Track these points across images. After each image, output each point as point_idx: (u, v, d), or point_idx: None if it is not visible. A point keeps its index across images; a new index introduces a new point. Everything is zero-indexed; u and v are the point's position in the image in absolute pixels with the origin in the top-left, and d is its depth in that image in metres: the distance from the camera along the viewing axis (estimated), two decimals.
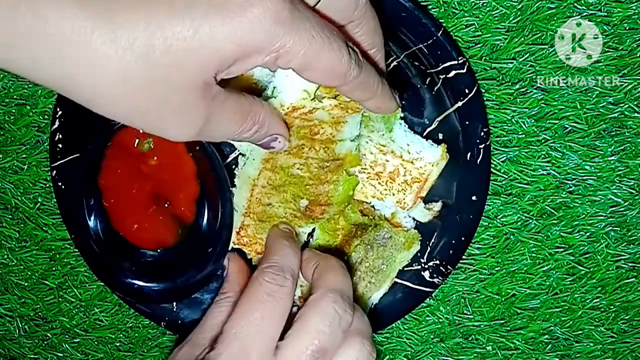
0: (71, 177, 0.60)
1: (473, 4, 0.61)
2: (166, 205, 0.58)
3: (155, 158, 0.57)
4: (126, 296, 0.61)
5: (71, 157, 0.60)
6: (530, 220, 0.65)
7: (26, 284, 0.70)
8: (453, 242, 0.61)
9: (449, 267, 0.62)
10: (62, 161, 0.60)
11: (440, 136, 0.61)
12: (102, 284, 0.67)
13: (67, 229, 0.61)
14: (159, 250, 0.60)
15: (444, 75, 0.59)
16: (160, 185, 0.57)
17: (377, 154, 0.59)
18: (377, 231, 0.60)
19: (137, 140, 0.57)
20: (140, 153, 0.57)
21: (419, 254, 0.62)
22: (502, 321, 0.68)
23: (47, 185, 0.67)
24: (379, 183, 0.59)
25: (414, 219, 0.62)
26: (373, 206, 0.61)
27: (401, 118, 0.60)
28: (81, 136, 0.59)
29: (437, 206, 0.61)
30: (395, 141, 0.59)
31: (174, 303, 0.63)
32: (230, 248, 0.58)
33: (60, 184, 0.60)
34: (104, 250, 0.59)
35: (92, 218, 0.59)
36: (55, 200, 0.65)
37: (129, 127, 0.56)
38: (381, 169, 0.59)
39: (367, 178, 0.59)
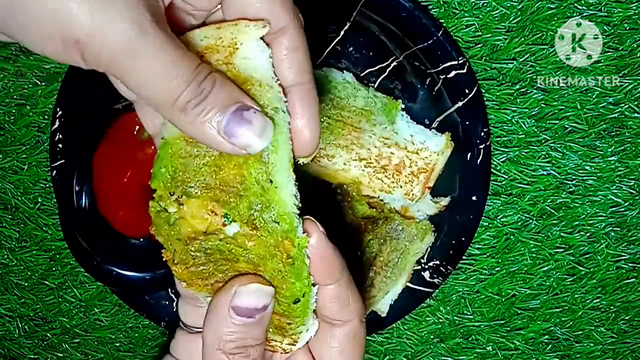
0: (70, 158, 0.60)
1: (473, 4, 0.61)
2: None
3: (153, 147, 0.57)
4: (104, 283, 0.61)
5: (71, 158, 0.61)
6: (531, 221, 0.65)
7: (26, 284, 0.70)
8: (453, 242, 0.61)
9: (449, 267, 0.62)
10: (62, 161, 0.60)
11: None
12: (102, 284, 0.67)
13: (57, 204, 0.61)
14: (142, 240, 0.60)
15: (444, 76, 0.59)
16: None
17: (381, 147, 0.59)
18: (389, 224, 0.60)
19: (137, 127, 0.57)
20: (139, 141, 0.57)
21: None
22: (502, 321, 0.68)
23: (47, 185, 0.67)
24: (386, 176, 0.59)
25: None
26: (382, 200, 0.61)
27: (402, 109, 0.60)
28: (81, 133, 0.59)
29: (444, 200, 0.61)
30: (398, 133, 0.59)
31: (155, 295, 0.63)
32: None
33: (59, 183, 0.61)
34: (87, 231, 0.59)
35: (83, 197, 0.59)
36: (55, 200, 0.65)
37: (133, 113, 0.56)
38: (387, 162, 0.59)
39: (374, 172, 0.59)
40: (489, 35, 0.62)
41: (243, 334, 0.36)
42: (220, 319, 0.36)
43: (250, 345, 0.36)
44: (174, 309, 0.64)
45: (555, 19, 0.61)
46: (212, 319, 0.36)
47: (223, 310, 0.36)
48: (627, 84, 0.62)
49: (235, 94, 0.34)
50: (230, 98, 0.34)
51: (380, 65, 0.61)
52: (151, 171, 0.37)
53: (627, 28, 0.61)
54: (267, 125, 0.34)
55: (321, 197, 0.62)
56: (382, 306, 0.62)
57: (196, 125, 0.33)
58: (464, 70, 0.59)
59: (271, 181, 0.35)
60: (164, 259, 0.39)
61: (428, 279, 0.62)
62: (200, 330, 0.42)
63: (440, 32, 0.58)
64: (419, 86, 0.61)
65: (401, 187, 0.59)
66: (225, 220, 0.36)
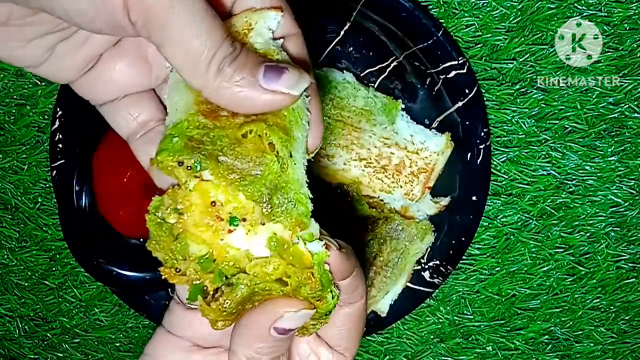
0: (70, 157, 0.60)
1: (473, 4, 0.61)
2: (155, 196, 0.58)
3: None
4: (104, 283, 0.61)
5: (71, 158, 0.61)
6: (531, 221, 0.65)
7: (26, 284, 0.70)
8: (453, 242, 0.61)
9: (449, 267, 0.62)
10: (62, 161, 0.60)
11: None
12: (101, 284, 0.66)
13: (57, 203, 0.61)
14: (141, 240, 0.60)
15: (444, 76, 0.59)
16: None
17: (381, 147, 0.59)
18: (389, 224, 0.60)
19: None
20: None
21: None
22: (502, 321, 0.68)
23: (47, 185, 0.67)
24: (386, 176, 0.59)
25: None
26: (382, 200, 0.61)
27: (403, 109, 0.60)
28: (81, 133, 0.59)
29: (444, 200, 0.61)
30: (398, 133, 0.59)
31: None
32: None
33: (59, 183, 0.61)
34: (87, 231, 0.59)
35: (83, 197, 0.59)
36: (55, 200, 0.65)
37: None
38: (387, 162, 0.59)
39: (374, 172, 0.59)
40: (489, 35, 0.62)
41: (278, 347, 0.37)
42: (256, 335, 0.36)
43: (282, 354, 0.38)
44: None
45: (555, 19, 0.61)
46: (245, 333, 0.36)
47: (262, 328, 0.36)
48: (627, 84, 0.62)
49: (262, 57, 0.35)
50: (259, 58, 0.34)
51: (380, 65, 0.61)
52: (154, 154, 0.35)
53: (627, 28, 0.61)
54: (302, 70, 0.34)
55: (321, 197, 0.61)
56: (382, 306, 0.62)
57: (233, 81, 0.33)
58: (464, 70, 0.59)
59: (291, 155, 0.34)
60: (164, 277, 0.37)
61: (428, 279, 0.62)
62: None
63: (440, 32, 0.58)
64: (419, 86, 0.61)
65: (401, 187, 0.59)
66: (231, 225, 0.35)
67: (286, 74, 0.34)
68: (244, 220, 0.35)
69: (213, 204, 0.35)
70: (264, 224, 0.35)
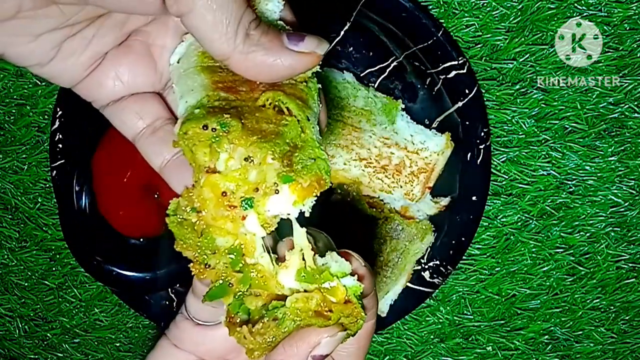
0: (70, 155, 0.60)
1: (473, 4, 0.61)
2: (155, 196, 0.58)
3: None
4: (104, 283, 0.61)
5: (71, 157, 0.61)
6: (531, 221, 0.65)
7: (26, 284, 0.70)
8: (453, 242, 0.61)
9: (449, 267, 0.62)
10: (62, 161, 0.60)
11: None
12: (102, 284, 0.66)
13: (57, 202, 0.61)
14: (141, 240, 0.60)
15: (444, 76, 0.59)
16: (152, 175, 0.57)
17: (381, 147, 0.59)
18: (389, 224, 0.60)
19: None
20: None
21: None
22: (502, 321, 0.68)
23: (47, 185, 0.67)
24: (386, 176, 0.59)
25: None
26: (382, 200, 0.61)
27: (403, 109, 0.60)
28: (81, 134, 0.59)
29: (444, 200, 0.61)
30: (398, 133, 0.59)
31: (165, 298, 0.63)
32: None
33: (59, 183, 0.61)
34: (87, 231, 0.59)
35: (83, 197, 0.59)
36: (55, 200, 0.65)
37: None
38: (387, 162, 0.59)
39: (374, 172, 0.59)
40: (489, 35, 0.62)
41: None
42: None
43: None
44: (174, 309, 0.64)
45: (555, 19, 0.61)
46: None
47: (299, 358, 0.37)
48: (627, 84, 0.62)
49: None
50: (276, 28, 0.36)
51: (380, 65, 0.61)
52: (176, 132, 0.35)
53: (627, 28, 0.61)
54: (319, 37, 0.36)
55: (321, 198, 0.62)
56: (382, 306, 0.62)
57: (261, 44, 0.34)
58: (464, 70, 0.59)
59: (308, 119, 0.36)
60: (193, 274, 0.37)
61: (428, 279, 0.62)
62: (209, 323, 0.42)
63: (440, 32, 0.58)
64: (419, 86, 0.61)
65: (401, 187, 0.59)
66: (243, 208, 0.35)
67: (307, 37, 0.35)
68: (257, 190, 0.35)
69: (224, 194, 0.35)
70: (278, 192, 0.35)
